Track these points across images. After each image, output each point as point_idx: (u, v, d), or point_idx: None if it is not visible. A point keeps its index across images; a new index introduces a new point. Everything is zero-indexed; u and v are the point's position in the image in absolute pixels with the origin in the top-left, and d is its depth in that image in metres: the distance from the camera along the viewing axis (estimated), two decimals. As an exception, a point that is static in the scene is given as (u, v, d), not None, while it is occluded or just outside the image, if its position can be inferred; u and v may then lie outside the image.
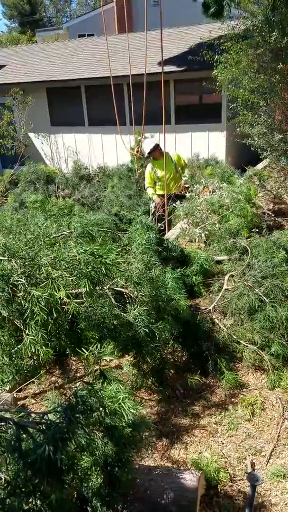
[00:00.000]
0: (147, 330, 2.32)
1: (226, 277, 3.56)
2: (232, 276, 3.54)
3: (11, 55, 12.96)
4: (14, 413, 1.56)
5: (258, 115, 5.56)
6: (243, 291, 3.22)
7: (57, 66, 10.83)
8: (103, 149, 10.23)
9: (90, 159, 10.27)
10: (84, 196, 7.86)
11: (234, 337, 3.11)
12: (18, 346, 1.99)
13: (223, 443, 2.52)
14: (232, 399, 2.83)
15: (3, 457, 1.35)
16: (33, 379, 2.94)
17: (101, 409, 1.60)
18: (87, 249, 2.07)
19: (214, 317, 3.31)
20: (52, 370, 3.21)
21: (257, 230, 4.52)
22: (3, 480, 1.33)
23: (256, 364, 3.03)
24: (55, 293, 1.94)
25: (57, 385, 3.08)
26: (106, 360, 1.97)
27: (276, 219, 5.32)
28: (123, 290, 2.46)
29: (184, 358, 3.19)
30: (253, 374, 3.04)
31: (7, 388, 2.87)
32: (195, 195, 5.06)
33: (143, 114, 5.93)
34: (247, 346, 3.02)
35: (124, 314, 2.33)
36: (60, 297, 1.96)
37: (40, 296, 1.91)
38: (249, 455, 2.42)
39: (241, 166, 6.66)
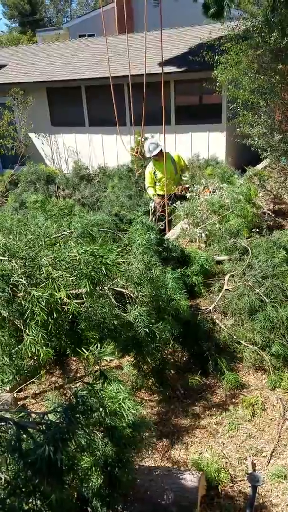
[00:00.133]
0: (147, 330, 2.32)
1: (227, 277, 3.56)
2: (233, 276, 3.54)
3: (11, 55, 12.97)
4: (14, 413, 1.56)
5: (258, 116, 5.56)
6: (243, 291, 3.22)
7: (58, 66, 10.83)
8: (104, 149, 10.23)
9: (91, 159, 10.27)
10: (85, 196, 7.86)
11: (235, 337, 3.11)
12: (19, 346, 1.99)
13: (223, 444, 2.52)
14: (233, 400, 2.82)
15: (3, 457, 1.34)
16: (33, 379, 2.94)
17: (101, 409, 1.60)
18: (87, 249, 2.07)
19: (214, 317, 3.31)
20: (52, 370, 3.21)
21: (257, 230, 4.53)
22: (3, 480, 1.33)
23: (257, 364, 3.03)
24: (56, 293, 1.94)
25: (57, 385, 3.07)
26: (106, 361, 1.97)
27: (276, 219, 5.32)
28: (123, 290, 2.46)
29: (184, 359, 3.18)
30: (253, 375, 3.04)
31: (7, 388, 2.86)
32: (196, 195, 5.06)
33: (143, 115, 5.94)
34: (247, 346, 3.02)
35: (125, 315, 2.33)
36: (60, 297, 1.96)
37: (41, 296, 1.91)
38: (249, 456, 2.42)
39: (241, 166, 6.66)
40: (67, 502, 1.47)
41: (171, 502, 1.87)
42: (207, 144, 8.97)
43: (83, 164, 9.74)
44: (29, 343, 1.89)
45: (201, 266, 3.71)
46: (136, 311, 2.33)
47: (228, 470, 2.33)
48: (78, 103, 10.19)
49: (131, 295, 2.45)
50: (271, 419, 2.67)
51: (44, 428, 1.38)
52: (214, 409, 2.76)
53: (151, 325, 2.38)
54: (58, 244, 2.29)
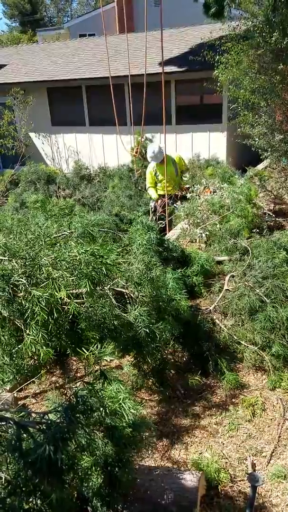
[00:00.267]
0: (147, 330, 2.32)
1: (227, 278, 3.56)
2: (233, 276, 3.55)
3: (12, 54, 12.97)
4: (14, 413, 1.56)
5: (259, 116, 5.56)
6: (243, 291, 3.22)
7: (58, 66, 10.83)
8: (104, 149, 10.23)
9: (91, 159, 10.27)
10: (85, 196, 7.86)
11: (235, 337, 3.11)
12: (19, 346, 1.99)
13: (223, 444, 2.52)
14: (233, 400, 2.83)
15: (3, 456, 1.35)
16: (33, 379, 2.94)
17: (101, 409, 1.60)
18: (87, 249, 2.07)
19: (214, 317, 3.31)
20: (53, 370, 3.21)
21: (257, 230, 4.53)
22: (3, 479, 1.33)
23: (257, 365, 3.03)
24: (56, 293, 1.94)
25: (57, 385, 3.08)
26: (106, 360, 1.97)
27: (277, 219, 5.32)
28: (123, 290, 2.46)
29: (184, 359, 3.19)
30: (253, 375, 3.04)
31: (8, 388, 2.87)
32: (196, 195, 5.06)
33: (143, 114, 5.94)
34: (247, 346, 3.02)
35: (125, 315, 2.33)
36: (60, 297, 1.96)
37: (41, 296, 1.91)
38: (249, 456, 2.42)
39: (242, 166, 6.66)
40: (67, 502, 1.47)
41: (171, 501, 1.87)
42: (208, 144, 8.97)
43: (84, 164, 9.74)
44: (29, 342, 1.89)
45: (202, 267, 3.71)
46: (136, 311, 2.33)
47: (228, 470, 2.33)
48: (79, 103, 10.19)
49: (131, 295, 2.45)
50: (271, 419, 2.67)
51: (45, 427, 1.38)
52: (214, 409, 2.76)
53: (151, 325, 2.38)
54: (58, 244, 2.30)
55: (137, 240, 2.84)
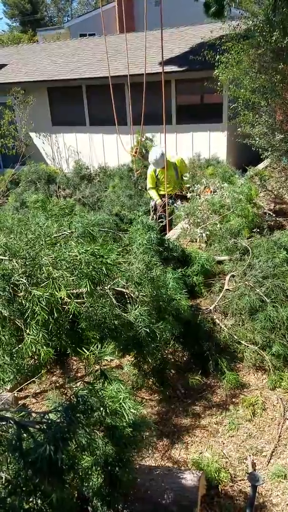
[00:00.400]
0: (148, 330, 2.32)
1: (227, 277, 3.56)
2: (233, 276, 3.54)
3: (12, 54, 12.97)
4: (15, 413, 1.56)
5: (259, 115, 5.56)
6: (244, 291, 3.22)
7: (58, 66, 10.83)
8: (104, 149, 10.23)
9: (91, 159, 10.27)
10: (85, 196, 7.86)
11: (235, 337, 3.11)
12: (19, 346, 1.99)
13: (224, 443, 2.52)
14: (233, 399, 2.83)
15: (4, 456, 1.35)
16: (34, 379, 2.94)
17: (101, 409, 1.60)
18: (88, 249, 2.07)
19: (215, 317, 3.31)
20: (53, 370, 3.22)
21: (258, 230, 4.52)
22: (4, 479, 1.33)
23: (257, 364, 3.03)
24: (56, 293, 1.94)
25: (58, 384, 3.08)
26: (106, 360, 1.97)
27: (277, 219, 5.32)
28: (124, 290, 2.46)
29: (185, 358, 3.19)
30: (254, 374, 3.04)
31: (8, 388, 2.87)
32: (196, 195, 5.06)
33: (142, 114, 5.94)
34: (248, 346, 3.02)
35: (125, 314, 2.33)
36: (61, 297, 1.96)
37: (41, 296, 1.91)
38: (250, 455, 2.42)
39: (242, 166, 6.66)
40: (67, 502, 1.47)
41: (172, 501, 1.87)
42: (208, 143, 8.97)
43: (84, 163, 9.74)
44: (29, 342, 1.90)
45: (202, 266, 3.71)
46: (136, 311, 2.33)
47: (228, 470, 2.33)
48: (79, 103, 10.19)
49: (132, 295, 2.45)
50: (272, 419, 2.68)
51: (45, 427, 1.38)
52: (215, 408, 2.76)
53: (151, 325, 2.38)
54: (58, 244, 2.29)
55: (137, 239, 2.84)
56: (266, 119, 5.44)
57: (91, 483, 1.67)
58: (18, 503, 1.30)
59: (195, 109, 9.27)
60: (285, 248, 3.55)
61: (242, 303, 3.15)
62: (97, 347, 1.84)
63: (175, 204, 5.26)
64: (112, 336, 2.25)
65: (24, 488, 1.31)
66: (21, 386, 3.01)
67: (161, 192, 5.63)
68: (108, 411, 1.62)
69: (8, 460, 1.34)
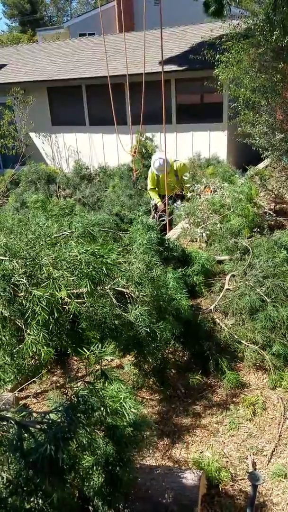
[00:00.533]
0: (148, 330, 2.33)
1: (228, 277, 3.56)
2: (234, 276, 3.55)
3: (11, 54, 12.96)
4: (15, 413, 1.56)
5: (259, 115, 5.55)
6: (244, 291, 3.22)
7: (58, 66, 10.83)
8: (104, 148, 10.23)
9: (91, 158, 10.27)
10: (85, 196, 7.86)
11: (236, 336, 3.11)
12: (20, 346, 1.99)
13: (224, 443, 2.53)
14: (234, 399, 2.83)
15: (5, 456, 1.35)
16: (34, 379, 2.94)
17: (102, 408, 1.60)
18: (88, 249, 2.07)
19: (215, 316, 3.32)
20: (54, 370, 3.22)
21: (258, 229, 4.52)
22: (5, 479, 1.33)
23: (258, 364, 3.03)
24: (56, 293, 1.94)
25: (58, 384, 3.08)
26: (107, 360, 1.97)
27: (278, 218, 5.32)
28: (124, 290, 2.46)
29: (185, 358, 3.19)
30: (254, 374, 3.04)
31: (9, 388, 2.87)
32: (196, 194, 5.06)
33: (141, 114, 5.94)
34: (248, 346, 3.02)
35: (125, 314, 2.33)
36: (61, 297, 1.96)
37: (41, 296, 1.91)
38: (250, 455, 2.43)
39: (243, 165, 6.65)
40: (68, 501, 1.47)
41: (172, 500, 1.87)
42: (208, 143, 8.96)
43: (84, 163, 9.74)
44: (30, 342, 1.90)
45: (202, 266, 3.71)
46: (137, 310, 2.33)
47: (228, 469, 2.33)
48: (79, 102, 10.19)
49: (132, 294, 2.45)
50: (272, 418, 2.68)
51: (46, 427, 1.38)
52: (215, 408, 2.76)
53: (152, 324, 2.38)
54: (59, 244, 2.30)
55: (137, 239, 2.84)
56: (266, 118, 5.44)
57: (92, 483, 1.67)
58: (19, 503, 1.30)
59: (195, 109, 9.27)
60: (286, 247, 3.55)
61: (242, 302, 3.15)
62: (97, 347, 1.84)
63: (175, 204, 5.26)
64: (112, 336, 2.25)
65: (25, 488, 1.31)
66: (22, 386, 3.01)
67: (161, 193, 5.65)
68: (108, 410, 1.63)
69: (9, 460, 1.34)
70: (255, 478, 1.85)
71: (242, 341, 3.06)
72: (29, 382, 3.01)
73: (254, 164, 6.75)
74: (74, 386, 2.83)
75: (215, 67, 5.86)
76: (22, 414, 1.54)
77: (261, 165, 6.96)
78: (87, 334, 2.24)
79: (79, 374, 3.14)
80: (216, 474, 2.23)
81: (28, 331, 1.93)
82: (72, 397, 1.52)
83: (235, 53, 5.45)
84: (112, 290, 2.36)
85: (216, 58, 5.76)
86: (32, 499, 1.33)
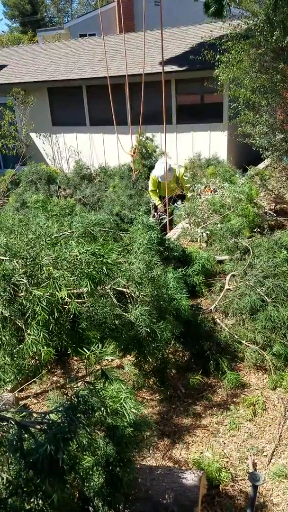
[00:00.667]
0: (148, 330, 2.32)
1: (228, 277, 3.56)
2: (234, 276, 3.54)
3: (12, 55, 12.97)
4: (15, 413, 1.56)
5: (260, 115, 5.55)
6: (244, 291, 3.21)
7: (59, 66, 10.83)
8: (105, 149, 10.23)
9: (92, 159, 10.27)
10: (86, 196, 7.86)
11: (236, 337, 3.11)
12: (20, 346, 1.99)
13: (224, 443, 2.52)
14: (234, 399, 2.82)
15: (5, 456, 1.35)
16: (34, 379, 2.94)
17: (102, 409, 1.60)
18: (88, 249, 2.07)
19: (215, 317, 3.31)
20: (54, 370, 3.22)
21: (258, 230, 4.52)
22: (5, 479, 1.33)
23: (258, 364, 3.03)
24: (57, 293, 1.94)
25: (58, 385, 3.08)
26: (107, 360, 1.97)
27: (278, 218, 5.32)
28: (124, 290, 2.46)
29: (185, 358, 3.19)
30: (254, 374, 3.04)
31: (9, 388, 2.87)
32: (197, 194, 5.07)
33: (140, 114, 5.94)
34: (248, 346, 3.02)
35: (126, 314, 2.33)
36: (61, 297, 1.96)
37: (42, 296, 1.91)
38: (250, 455, 2.42)
39: (243, 165, 6.65)
40: (68, 502, 1.47)
41: (172, 501, 1.87)
42: (209, 143, 8.96)
43: (84, 163, 9.73)
44: (30, 342, 1.89)
45: (202, 266, 3.71)
46: (137, 310, 2.33)
47: (229, 470, 2.33)
48: (79, 103, 10.19)
49: (132, 294, 2.45)
50: (272, 418, 2.67)
51: (46, 427, 1.38)
52: (215, 408, 2.76)
53: (152, 324, 2.38)
54: (59, 244, 2.29)
55: (138, 239, 2.84)
56: (267, 118, 5.43)
57: (92, 483, 1.67)
58: (19, 503, 1.30)
59: (196, 109, 9.26)
60: (286, 247, 3.55)
61: (242, 302, 3.14)
62: (98, 347, 1.84)
63: (175, 204, 5.27)
64: (112, 336, 2.25)
65: (25, 489, 1.31)
66: (22, 387, 3.01)
67: (162, 194, 5.72)
68: (109, 411, 1.62)
69: (9, 460, 1.34)
70: (256, 478, 1.85)
71: (242, 341, 3.06)
72: (29, 382, 3.01)
73: (254, 164, 6.74)
74: (75, 386, 2.83)
75: (215, 68, 5.86)
76: (22, 415, 1.53)
77: (261, 165, 6.96)
78: (87, 334, 2.24)
79: (80, 374, 3.13)
80: (217, 475, 2.23)
81: (28, 331, 1.93)
82: (72, 397, 1.52)
83: (235, 53, 5.45)
84: (113, 290, 2.36)
85: (217, 58, 5.76)
86: (32, 499, 1.33)
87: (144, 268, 2.49)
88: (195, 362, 3.11)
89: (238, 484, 2.26)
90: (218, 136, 8.81)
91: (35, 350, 1.90)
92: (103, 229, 2.84)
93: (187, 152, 8.90)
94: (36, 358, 2.10)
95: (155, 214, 5.76)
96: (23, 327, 1.98)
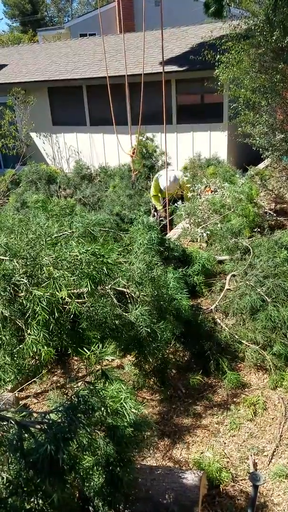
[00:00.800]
0: (148, 330, 2.32)
1: (228, 277, 3.56)
2: (234, 276, 3.54)
3: (12, 54, 12.97)
4: (16, 413, 1.56)
5: (260, 115, 5.55)
6: (245, 290, 3.21)
7: (59, 66, 10.83)
8: (105, 148, 10.23)
9: (92, 158, 10.27)
10: (86, 196, 7.85)
11: (236, 337, 3.10)
12: (20, 346, 1.99)
13: (225, 443, 2.52)
14: (234, 399, 2.82)
15: (5, 456, 1.35)
16: (35, 379, 2.94)
17: (102, 408, 1.60)
18: (88, 249, 2.07)
19: (216, 316, 3.31)
20: (54, 370, 3.22)
21: (259, 229, 4.52)
22: (5, 479, 1.33)
23: (258, 364, 3.02)
24: (57, 293, 1.94)
25: (59, 384, 3.08)
26: (107, 360, 1.97)
27: (278, 218, 5.32)
28: (124, 290, 2.46)
29: (186, 358, 3.19)
30: (255, 374, 3.04)
31: (9, 388, 2.87)
32: (197, 194, 5.07)
33: (140, 114, 5.94)
34: (249, 346, 3.02)
35: (126, 314, 2.33)
36: (61, 297, 1.96)
37: (42, 296, 1.91)
38: (251, 455, 2.42)
39: (243, 165, 6.65)
40: (68, 502, 1.47)
41: (173, 501, 1.87)
42: (209, 143, 8.96)
43: (84, 163, 9.73)
44: (30, 342, 1.89)
45: (203, 266, 3.71)
46: (137, 310, 2.33)
47: (229, 470, 2.33)
48: (79, 103, 10.19)
49: (133, 294, 2.45)
50: (273, 418, 2.67)
51: (46, 427, 1.38)
52: (216, 408, 2.76)
53: (152, 324, 2.38)
54: (59, 244, 2.29)
55: (138, 239, 2.84)
56: (267, 118, 5.44)
57: (92, 483, 1.67)
58: (19, 503, 1.30)
59: (196, 109, 9.27)
60: (286, 247, 3.55)
61: (243, 302, 3.14)
62: (98, 347, 1.84)
63: (175, 204, 5.28)
64: (113, 336, 2.25)
65: (25, 489, 1.31)
66: (22, 386, 3.01)
67: (163, 196, 5.75)
68: (109, 411, 1.62)
69: (9, 460, 1.34)
70: (256, 478, 1.84)
71: (242, 341, 3.06)
72: (30, 382, 3.01)
73: (254, 164, 6.74)
74: (75, 386, 2.83)
75: (216, 68, 5.86)
76: (22, 414, 1.53)
77: (261, 165, 6.96)
78: (87, 334, 2.24)
79: (80, 374, 3.13)
80: (217, 475, 2.23)
81: (29, 331, 1.93)
82: (72, 397, 1.52)
83: (235, 53, 5.45)
84: (113, 290, 2.35)
85: (217, 58, 5.76)
86: (32, 499, 1.33)
87: (144, 268, 2.49)
88: (195, 362, 3.11)
89: (239, 484, 2.26)
90: (218, 136, 8.81)
91: (35, 350, 1.90)
92: (103, 229, 2.84)
93: (187, 152, 8.90)
94: (36, 358, 2.10)
95: (155, 214, 5.77)
96: (23, 327, 1.98)
